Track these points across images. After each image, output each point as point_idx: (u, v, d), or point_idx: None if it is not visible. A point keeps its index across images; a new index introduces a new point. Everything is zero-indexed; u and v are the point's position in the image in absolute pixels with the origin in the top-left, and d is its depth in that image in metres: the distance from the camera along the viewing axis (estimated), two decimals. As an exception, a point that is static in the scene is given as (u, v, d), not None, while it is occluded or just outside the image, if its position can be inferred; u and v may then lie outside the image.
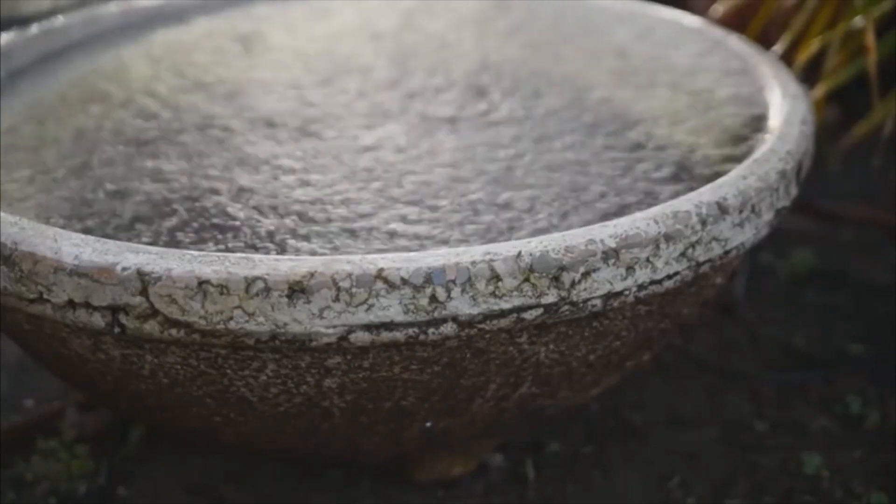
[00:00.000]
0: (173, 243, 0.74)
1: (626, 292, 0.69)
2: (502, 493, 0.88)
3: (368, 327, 0.65)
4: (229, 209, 0.79)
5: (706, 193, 0.73)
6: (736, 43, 1.01)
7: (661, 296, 0.73)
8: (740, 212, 0.73)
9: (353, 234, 0.76)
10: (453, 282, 0.65)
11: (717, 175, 0.78)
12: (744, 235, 0.74)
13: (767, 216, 0.76)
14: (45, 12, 1.38)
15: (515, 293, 0.66)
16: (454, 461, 0.87)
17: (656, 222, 0.70)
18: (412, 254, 0.66)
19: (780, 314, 1.10)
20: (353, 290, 0.64)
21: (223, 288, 0.64)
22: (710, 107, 0.92)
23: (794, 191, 0.80)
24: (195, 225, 0.77)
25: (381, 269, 0.65)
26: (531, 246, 0.67)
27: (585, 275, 0.67)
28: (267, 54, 1.07)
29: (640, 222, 0.70)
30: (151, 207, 0.79)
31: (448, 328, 0.66)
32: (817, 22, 1.11)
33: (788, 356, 1.04)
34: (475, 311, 0.66)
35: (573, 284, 0.67)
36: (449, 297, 0.65)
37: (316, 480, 0.89)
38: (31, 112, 0.94)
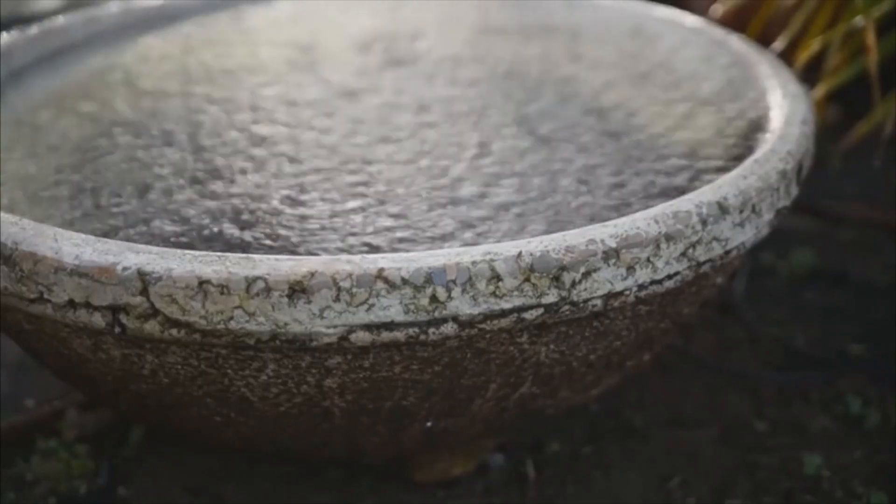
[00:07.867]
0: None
1: (627, 292, 0.69)
2: (502, 493, 0.88)
3: (369, 327, 0.65)
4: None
5: (707, 193, 0.73)
6: (736, 43, 1.01)
7: (662, 296, 0.73)
8: (741, 212, 0.73)
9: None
10: (454, 282, 0.65)
11: (718, 174, 0.78)
12: (744, 235, 0.74)
13: (768, 216, 0.76)
14: (45, 12, 1.38)
15: (516, 293, 0.66)
16: (454, 461, 0.87)
17: (657, 222, 0.70)
18: (412, 254, 0.66)
19: (780, 314, 1.10)
20: (354, 290, 0.64)
21: (224, 288, 0.64)
22: (709, 106, 0.92)
23: (794, 191, 0.80)
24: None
25: (382, 269, 0.65)
26: (532, 246, 0.67)
27: (586, 275, 0.67)
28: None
29: (640, 222, 0.69)
30: None
31: (448, 328, 0.66)
32: (817, 22, 1.11)
33: (788, 356, 1.04)
34: (476, 310, 0.66)
35: (574, 284, 0.67)
36: (449, 297, 0.65)
37: (316, 480, 0.89)
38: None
